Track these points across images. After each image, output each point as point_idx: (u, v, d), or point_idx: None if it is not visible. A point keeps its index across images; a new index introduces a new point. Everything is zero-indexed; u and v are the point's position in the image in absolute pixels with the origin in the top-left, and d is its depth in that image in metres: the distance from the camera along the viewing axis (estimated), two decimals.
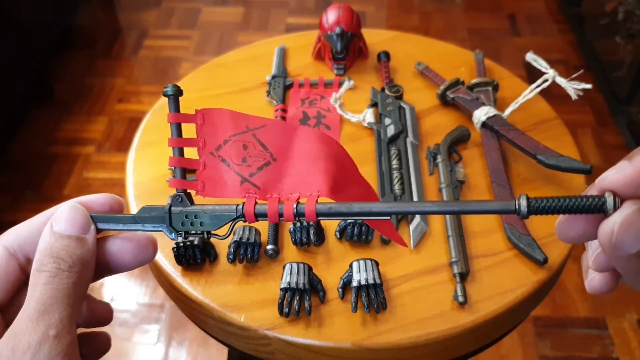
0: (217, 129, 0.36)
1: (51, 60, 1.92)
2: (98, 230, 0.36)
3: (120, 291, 1.36)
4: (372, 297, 0.49)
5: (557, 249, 0.55)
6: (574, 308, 1.33)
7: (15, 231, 0.36)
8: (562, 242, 0.54)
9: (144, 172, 0.63)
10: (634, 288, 0.35)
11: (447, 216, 0.57)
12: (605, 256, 0.33)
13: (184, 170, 0.36)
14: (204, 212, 0.35)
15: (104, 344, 0.41)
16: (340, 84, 0.73)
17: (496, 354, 1.24)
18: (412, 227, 0.56)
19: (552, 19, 2.16)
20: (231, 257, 0.53)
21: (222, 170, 0.36)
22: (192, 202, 0.36)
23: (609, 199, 0.30)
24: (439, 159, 0.63)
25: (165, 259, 0.54)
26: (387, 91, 0.70)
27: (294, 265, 0.51)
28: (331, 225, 0.56)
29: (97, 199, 0.37)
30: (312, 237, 0.54)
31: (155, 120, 0.69)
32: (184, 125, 0.36)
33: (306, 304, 0.49)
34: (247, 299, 0.51)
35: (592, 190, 0.31)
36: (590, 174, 0.56)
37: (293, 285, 0.49)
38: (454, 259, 0.53)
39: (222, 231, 0.36)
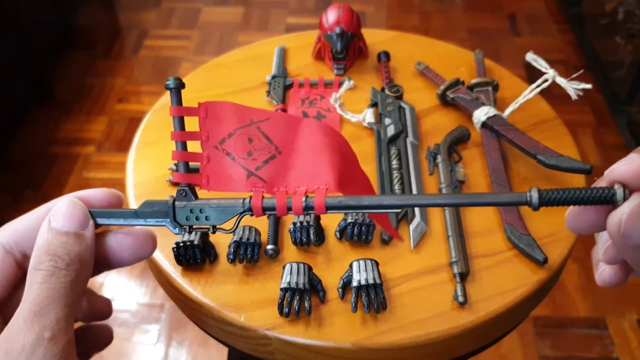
0: (221, 122, 0.35)
1: (51, 60, 1.92)
2: (97, 226, 0.36)
3: (120, 291, 1.36)
4: (372, 297, 0.49)
5: (557, 249, 0.54)
6: (574, 308, 1.33)
7: (11, 227, 0.36)
8: (562, 242, 0.55)
9: (144, 172, 0.63)
10: None
11: (447, 216, 0.57)
12: (615, 248, 0.33)
13: (187, 164, 0.35)
14: (209, 206, 0.35)
15: (106, 336, 0.40)
16: (340, 84, 0.73)
17: (496, 354, 1.24)
18: (412, 227, 0.56)
19: (552, 19, 2.16)
20: (231, 257, 0.53)
21: (227, 164, 0.35)
22: (196, 197, 0.35)
23: (619, 191, 0.30)
24: (439, 159, 0.63)
25: (165, 259, 0.54)
26: (387, 91, 0.70)
27: (294, 265, 0.51)
28: (331, 225, 0.56)
29: (96, 194, 0.37)
30: (312, 237, 0.54)
31: (155, 120, 0.69)
32: (186, 122, 0.35)
33: (306, 304, 0.49)
34: (247, 299, 0.51)
35: (602, 182, 0.32)
36: (590, 173, 0.56)
37: (293, 285, 0.49)
38: (454, 259, 0.53)
39: (228, 225, 0.36)
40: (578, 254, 1.43)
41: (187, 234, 0.53)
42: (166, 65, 1.95)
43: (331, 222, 0.56)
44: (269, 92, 0.72)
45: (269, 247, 0.54)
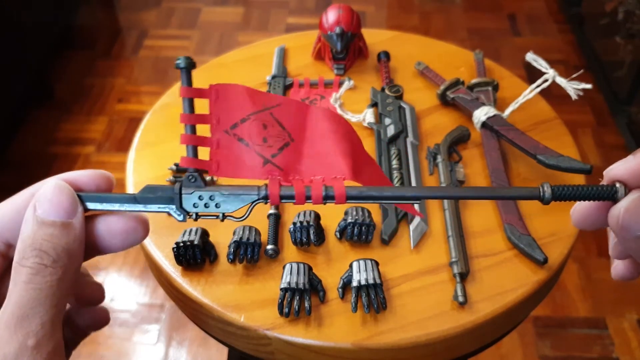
0: (233, 106, 0.34)
1: (51, 60, 1.92)
2: (86, 210, 0.33)
3: (120, 291, 1.36)
4: (372, 297, 0.49)
5: (557, 249, 0.55)
6: (574, 308, 1.33)
7: None
8: (562, 242, 0.55)
9: (144, 172, 0.63)
10: None
11: (447, 216, 0.56)
12: (619, 242, 0.36)
13: (196, 149, 0.33)
14: (221, 193, 0.33)
15: (102, 316, 0.39)
16: (340, 84, 0.73)
17: (496, 354, 1.24)
18: (412, 227, 0.56)
19: (552, 19, 2.16)
20: (231, 257, 0.53)
21: (240, 149, 0.33)
22: (206, 183, 0.34)
23: (620, 188, 0.34)
24: (439, 159, 0.63)
25: (165, 259, 0.54)
26: (387, 91, 0.70)
27: (294, 265, 0.51)
28: (331, 225, 0.56)
29: (84, 175, 0.34)
30: (312, 237, 0.54)
31: (155, 120, 0.69)
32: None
33: (306, 304, 0.49)
34: (247, 299, 0.51)
35: (603, 182, 0.35)
36: (590, 173, 0.56)
37: (293, 285, 0.49)
38: (454, 259, 0.53)
39: (240, 213, 0.34)
40: (578, 254, 1.44)
41: (187, 234, 0.53)
42: (166, 65, 1.95)
43: (331, 222, 0.56)
44: (269, 92, 0.72)
45: (269, 247, 0.54)
